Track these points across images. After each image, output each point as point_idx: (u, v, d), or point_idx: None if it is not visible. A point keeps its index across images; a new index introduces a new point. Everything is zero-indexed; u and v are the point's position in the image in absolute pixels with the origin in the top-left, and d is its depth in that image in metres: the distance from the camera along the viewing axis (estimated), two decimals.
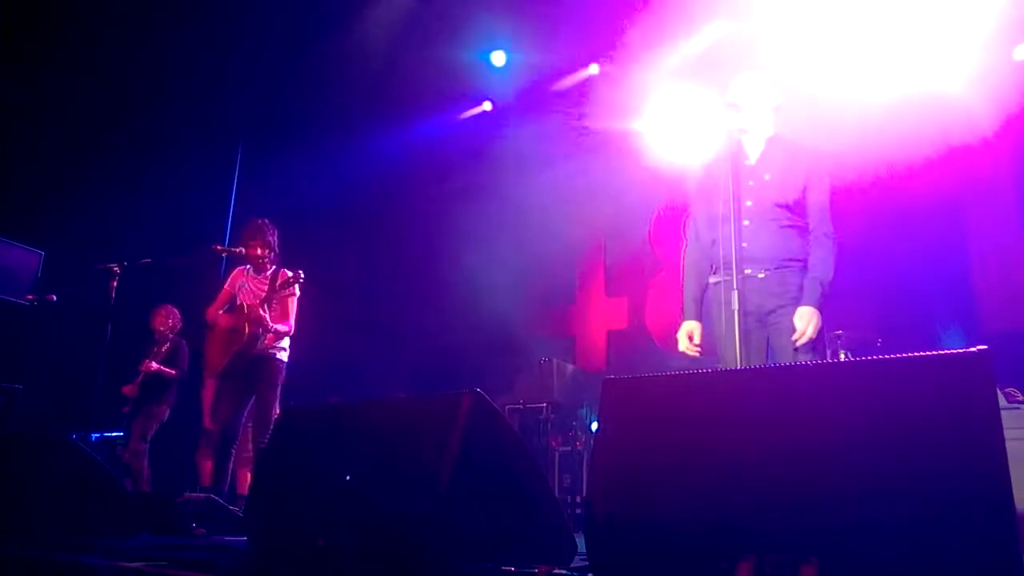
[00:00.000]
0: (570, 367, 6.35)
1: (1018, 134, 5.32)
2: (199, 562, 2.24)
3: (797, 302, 2.86)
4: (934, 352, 1.51)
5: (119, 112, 6.49)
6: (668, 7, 5.85)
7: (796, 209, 2.96)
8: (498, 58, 7.16)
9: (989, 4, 5.10)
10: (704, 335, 3.07)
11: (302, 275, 4.39)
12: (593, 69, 7.00)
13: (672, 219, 7.14)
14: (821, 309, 2.84)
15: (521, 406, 5.98)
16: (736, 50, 5.71)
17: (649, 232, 7.37)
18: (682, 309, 3.16)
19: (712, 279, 3.00)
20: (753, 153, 3.09)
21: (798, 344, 2.79)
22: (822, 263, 2.89)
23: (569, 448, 5.66)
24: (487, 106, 7.68)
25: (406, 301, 7.35)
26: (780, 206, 2.95)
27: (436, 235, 7.23)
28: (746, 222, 2.93)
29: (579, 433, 5.70)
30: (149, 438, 5.49)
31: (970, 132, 5.35)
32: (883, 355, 1.57)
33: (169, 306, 5.80)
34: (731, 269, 2.83)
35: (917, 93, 5.35)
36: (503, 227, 6.88)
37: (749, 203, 2.97)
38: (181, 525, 3.45)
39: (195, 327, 5.90)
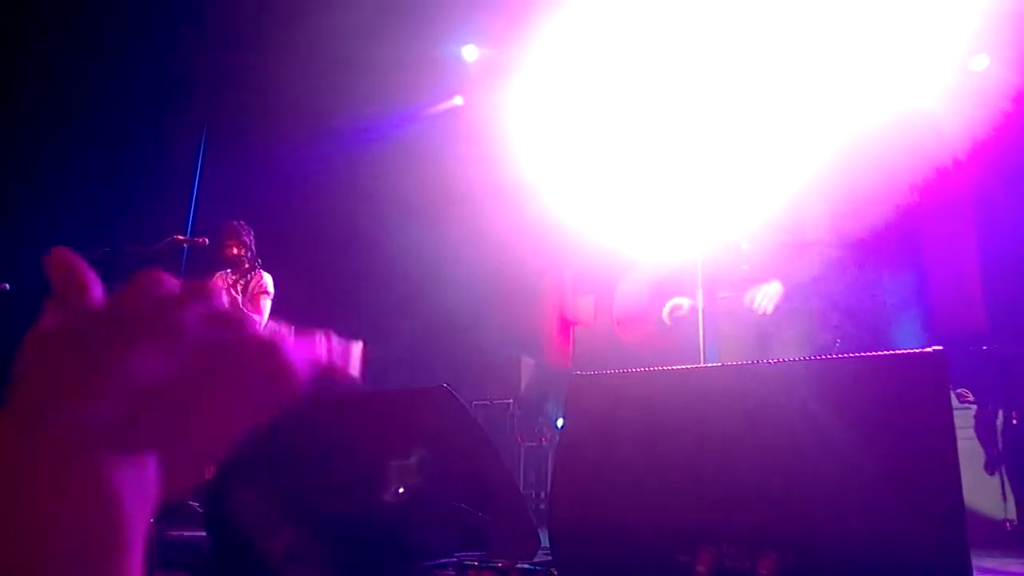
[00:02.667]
0: (536, 364, 6.37)
1: (976, 142, 5.47)
2: (157, 558, 2.19)
3: (797, 316, 2.98)
4: (891, 352, 1.55)
5: (78, 97, 6.31)
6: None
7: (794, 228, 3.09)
8: (469, 52, 7.12)
9: (944, 16, 5.23)
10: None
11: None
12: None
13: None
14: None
15: (487, 402, 5.97)
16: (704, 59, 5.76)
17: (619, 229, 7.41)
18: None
19: (720, 294, 3.09)
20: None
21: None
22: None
23: (535, 444, 5.68)
24: (458, 100, 7.63)
25: (372, 296, 7.28)
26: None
27: (401, 230, 7.17)
28: (744, 245, 3.04)
29: (545, 429, 5.72)
30: None
31: (934, 142, 5.49)
32: (842, 354, 1.61)
33: None
34: (736, 288, 2.99)
35: (878, 104, 5.47)
36: (469, 223, 6.85)
37: None
38: None
39: None
